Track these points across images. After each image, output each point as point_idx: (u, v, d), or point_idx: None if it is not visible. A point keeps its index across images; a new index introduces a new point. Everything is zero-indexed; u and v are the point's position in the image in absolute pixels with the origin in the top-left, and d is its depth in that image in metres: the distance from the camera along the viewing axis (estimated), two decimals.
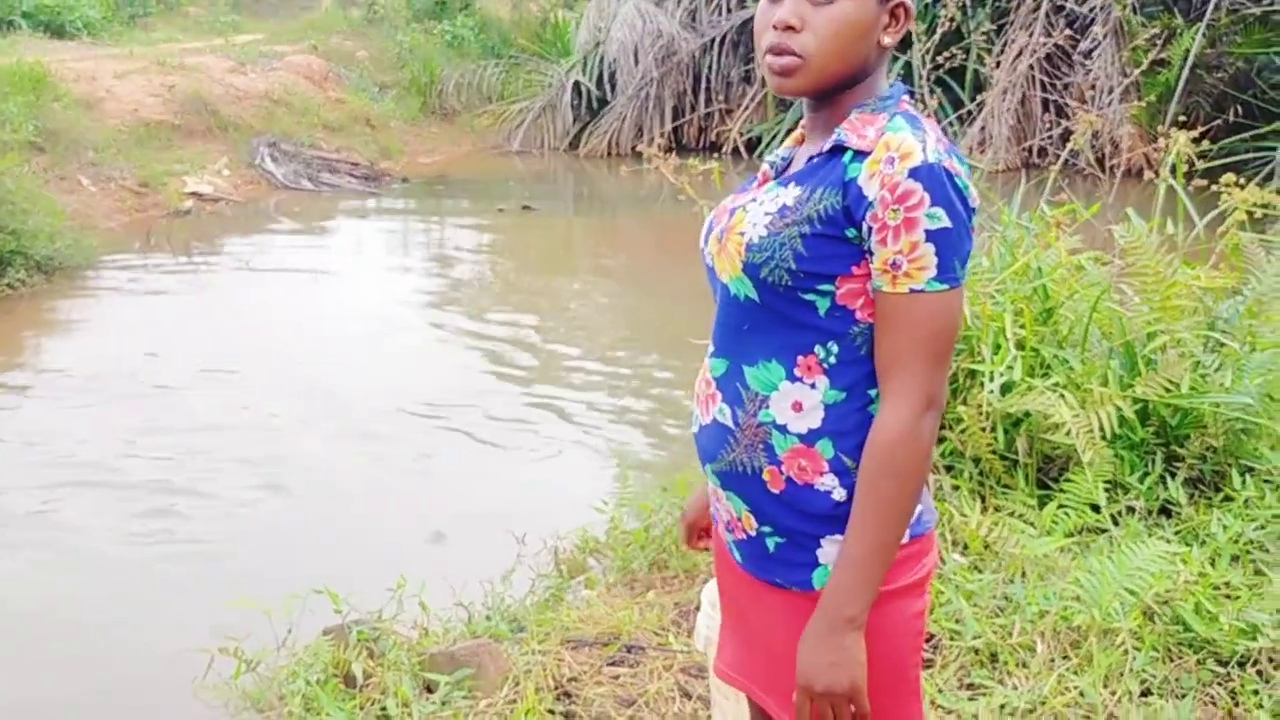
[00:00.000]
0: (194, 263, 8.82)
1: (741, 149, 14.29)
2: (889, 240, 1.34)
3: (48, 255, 7.85)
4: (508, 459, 5.15)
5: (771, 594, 1.53)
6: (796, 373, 1.43)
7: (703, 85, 15.01)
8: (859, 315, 1.40)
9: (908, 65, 10.76)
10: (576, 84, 15.11)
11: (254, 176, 12.00)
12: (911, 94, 1.52)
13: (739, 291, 1.46)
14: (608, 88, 15.11)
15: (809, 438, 1.44)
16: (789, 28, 1.40)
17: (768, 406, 1.45)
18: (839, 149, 1.41)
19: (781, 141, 1.69)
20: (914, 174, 1.32)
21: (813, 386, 1.43)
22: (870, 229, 1.35)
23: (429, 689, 2.71)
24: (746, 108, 14.87)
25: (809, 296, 1.40)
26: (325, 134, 13.55)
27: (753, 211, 1.46)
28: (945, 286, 1.35)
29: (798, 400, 1.44)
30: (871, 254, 1.36)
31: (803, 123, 1.52)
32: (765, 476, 1.47)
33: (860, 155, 1.38)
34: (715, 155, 13.23)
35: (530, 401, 5.89)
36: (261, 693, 2.78)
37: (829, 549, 1.45)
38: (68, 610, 3.73)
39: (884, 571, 1.38)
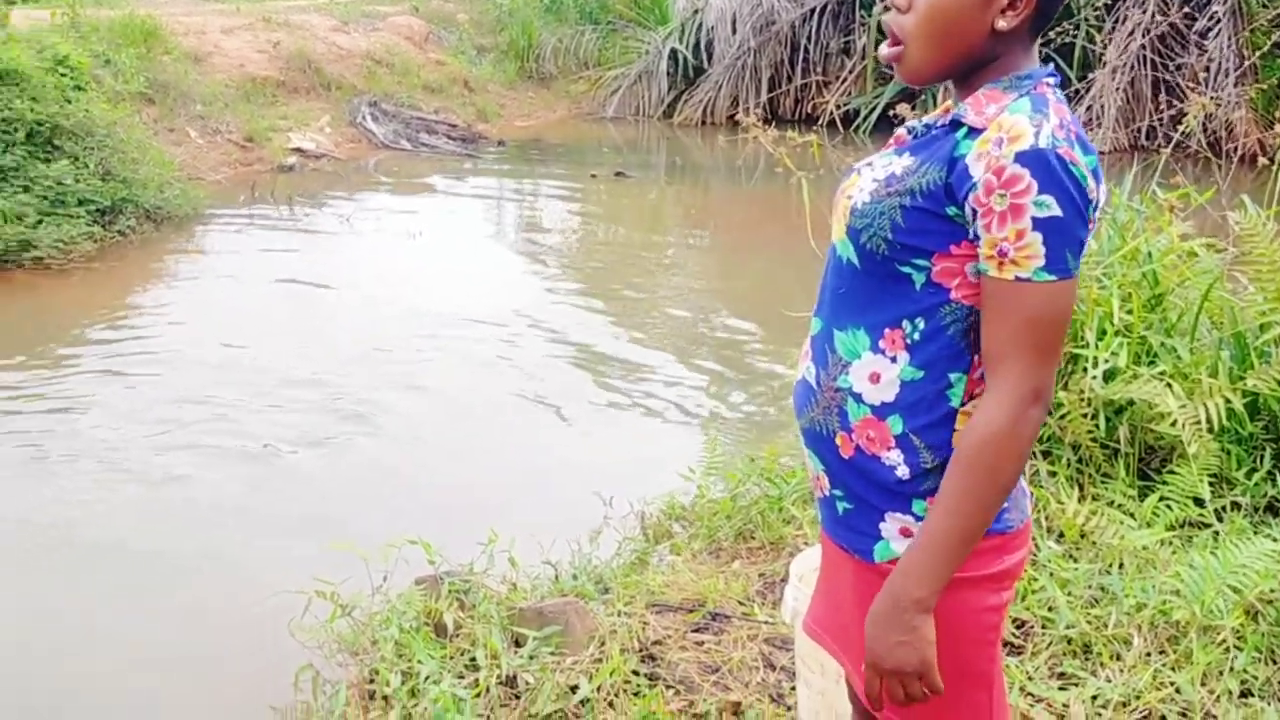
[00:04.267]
0: (296, 217, 9.01)
1: (838, 122, 14.09)
2: (994, 226, 1.29)
3: (157, 204, 8.08)
4: (595, 422, 5.20)
5: (843, 557, 1.55)
6: (881, 344, 1.42)
7: (800, 56, 14.81)
8: (953, 295, 1.37)
9: None
10: (673, 52, 15.03)
11: (355, 135, 12.20)
12: (1064, 80, 1.47)
13: (843, 254, 1.46)
14: (704, 56, 15.00)
15: (880, 410, 1.43)
16: (895, 6, 1.39)
17: (847, 373, 1.45)
18: (956, 123, 1.37)
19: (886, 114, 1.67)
20: (1020, 158, 1.27)
21: (893, 360, 1.41)
22: (975, 211, 1.31)
23: (517, 643, 2.76)
24: (844, 80, 14.65)
25: (905, 269, 1.38)
26: (424, 95, 13.70)
27: (864, 176, 1.45)
28: (1054, 278, 1.29)
29: (876, 371, 1.42)
30: (977, 237, 1.32)
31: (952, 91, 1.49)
32: (838, 440, 1.47)
33: (974, 132, 1.34)
34: (811, 128, 13.06)
35: (620, 367, 5.92)
36: (356, 636, 2.86)
37: (890, 525, 1.45)
38: (174, 552, 3.88)
39: (959, 560, 1.35)
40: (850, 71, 14.65)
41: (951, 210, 1.33)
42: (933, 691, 1.37)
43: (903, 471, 1.43)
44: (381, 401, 5.25)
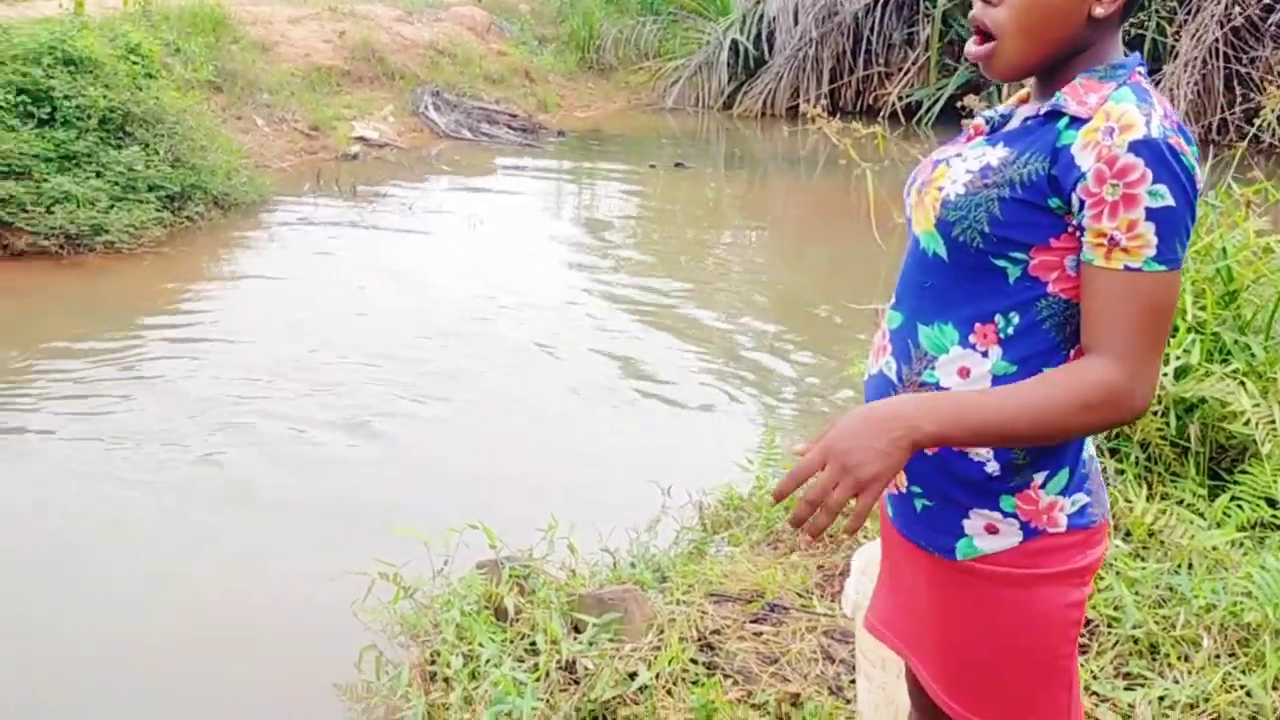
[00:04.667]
0: (359, 205, 9.12)
1: (900, 114, 13.95)
2: (1105, 216, 1.26)
3: (224, 191, 8.21)
4: (653, 412, 5.20)
5: (918, 554, 1.52)
6: (971, 339, 1.39)
7: (863, 47, 14.68)
8: (1050, 288, 1.34)
9: None
10: (734, 43, 14.97)
11: (417, 124, 12.31)
12: (1150, 68, 1.44)
13: (928, 247, 1.43)
14: (765, 47, 14.92)
15: None
16: (988, 1, 1.35)
17: (934, 368, 1.41)
18: (1055, 114, 1.34)
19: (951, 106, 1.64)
20: (1134, 148, 1.25)
21: (984, 355, 1.38)
22: (1082, 202, 1.28)
23: (576, 629, 2.77)
24: (907, 71, 14.50)
25: (1000, 262, 1.35)
26: (486, 85, 13.78)
27: (955, 167, 1.41)
28: (1164, 268, 1.26)
29: (965, 366, 1.39)
30: (1082, 229, 1.29)
31: (1029, 82, 1.47)
32: None
33: (1076, 122, 1.31)
34: (872, 120, 12.96)
35: (678, 357, 5.92)
36: (417, 619, 2.89)
37: (976, 521, 1.43)
38: (236, 531, 3.97)
39: (977, 440, 1.31)
40: (913, 63, 14.50)
41: (1054, 202, 1.30)
42: (859, 509, 1.26)
43: (993, 467, 1.40)
44: (442, 387, 5.30)
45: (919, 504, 1.48)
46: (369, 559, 2.99)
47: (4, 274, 6.68)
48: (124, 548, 3.85)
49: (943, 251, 1.40)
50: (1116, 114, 1.27)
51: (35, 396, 5.03)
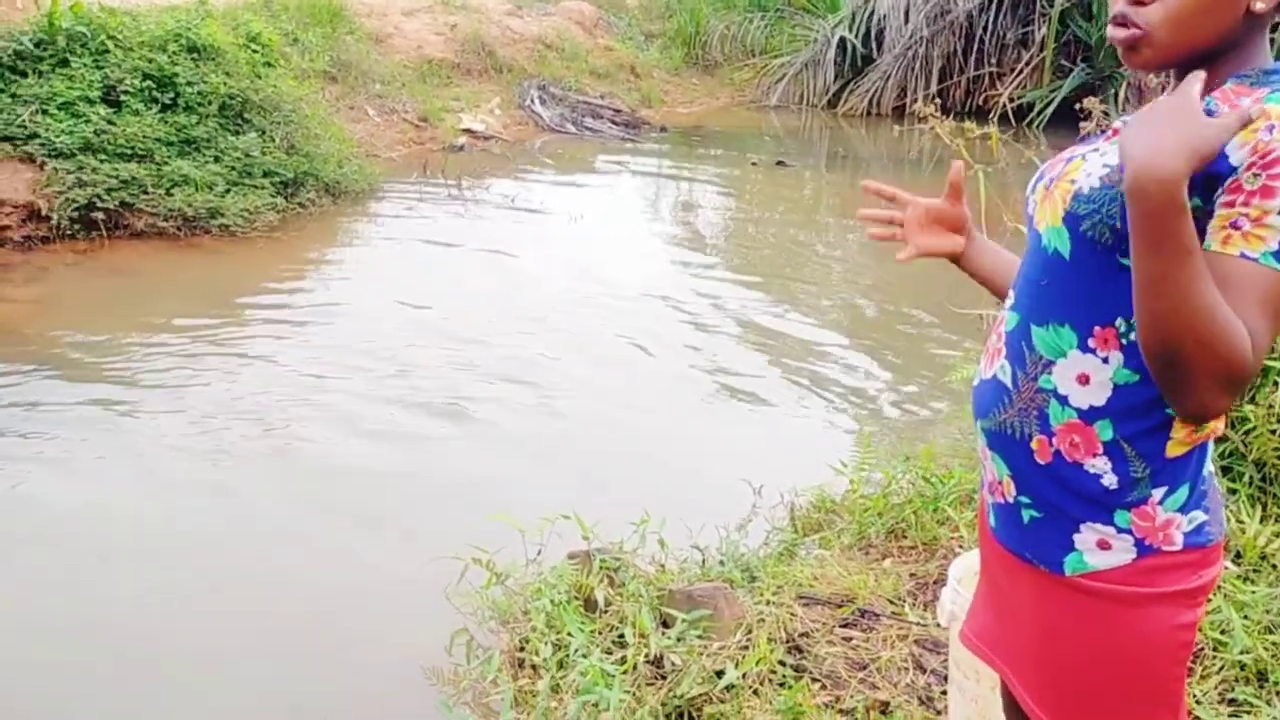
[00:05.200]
0: (464, 196, 9.26)
1: (1010, 115, 13.63)
2: (1238, 202, 1.21)
3: (336, 179, 8.43)
4: (746, 410, 5.19)
5: (1022, 568, 1.47)
6: (1090, 343, 1.34)
7: (974, 46, 14.37)
8: None
9: None
10: (842, 40, 14.80)
11: (522, 117, 12.45)
12: None
13: (1050, 243, 1.38)
14: (873, 45, 14.72)
15: (1089, 415, 1.35)
16: (1139, 1, 1.30)
17: (1050, 373, 1.37)
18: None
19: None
20: None
21: (1105, 360, 1.33)
22: (1223, 190, 1.23)
23: (665, 624, 2.78)
24: (1020, 72, 14.16)
25: (1127, 261, 1.28)
26: (591, 80, 13.88)
27: (1091, 160, 1.37)
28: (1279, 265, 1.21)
29: (1085, 373, 1.35)
30: (1211, 214, 1.24)
31: (1160, 81, 1.42)
32: (1034, 445, 1.40)
33: None
34: (982, 120, 12.68)
35: (772, 356, 5.89)
36: (509, 604, 2.93)
37: (1087, 535, 1.38)
38: (333, 510, 4.06)
39: (1149, 250, 1.18)
40: (1027, 64, 14.15)
41: (1195, 201, 1.24)
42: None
43: (1109, 480, 1.35)
44: (536, 377, 5.36)
45: (1027, 515, 1.44)
46: (463, 544, 3.04)
47: (122, 253, 6.95)
48: (216, 518, 3.96)
49: (1065, 248, 1.36)
50: (1277, 114, 1.22)
51: (138, 370, 5.24)
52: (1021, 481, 1.43)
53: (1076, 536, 1.39)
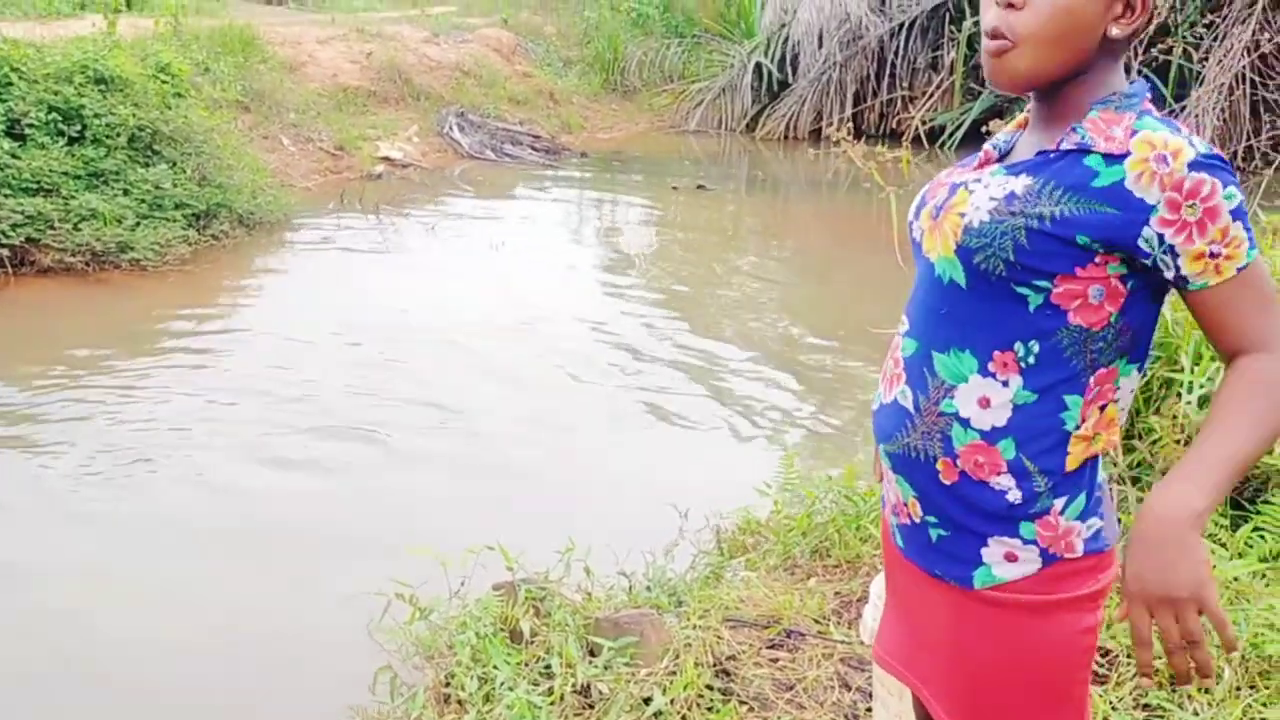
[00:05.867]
0: (382, 225, 9.18)
1: (923, 137, 13.92)
2: (1195, 236, 1.28)
3: (250, 210, 8.29)
4: (672, 434, 5.20)
5: (931, 585, 1.50)
6: (990, 367, 1.38)
7: (887, 70, 14.69)
8: (1071, 317, 1.34)
9: None
10: (758, 65, 15.02)
11: (441, 145, 12.40)
12: (1159, 99, 1.45)
13: (944, 273, 1.41)
14: (789, 70, 14.96)
15: (991, 435, 1.38)
16: (1010, 4, 1.35)
17: (952, 397, 1.40)
18: (1083, 150, 1.34)
19: (961, 128, 1.64)
20: (1194, 167, 1.27)
21: (1004, 384, 1.37)
22: (1160, 235, 1.29)
23: (592, 652, 2.77)
24: (931, 95, 14.50)
25: (1021, 290, 1.34)
26: (510, 106, 13.88)
27: (977, 193, 1.40)
28: (1256, 252, 1.32)
29: (985, 396, 1.38)
30: (1175, 261, 1.30)
31: (1028, 108, 1.47)
32: (939, 466, 1.43)
33: (1112, 158, 1.31)
34: (895, 143, 12.94)
35: (696, 380, 5.92)
36: (433, 639, 2.89)
37: (995, 549, 1.41)
38: (252, 550, 3.95)
39: (1234, 480, 1.27)
40: (937, 87, 14.50)
41: (1081, 238, 1.30)
42: (1215, 621, 1.24)
43: (1014, 496, 1.39)
44: (460, 408, 5.31)
45: (934, 534, 1.47)
46: (385, 579, 3.00)
47: (29, 290, 6.75)
48: (129, 559, 3.84)
49: (961, 278, 1.39)
50: (1159, 141, 1.29)
51: (42, 408, 5.06)
52: (927, 502, 1.46)
53: (984, 551, 1.43)
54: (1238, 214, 1.29)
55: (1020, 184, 1.37)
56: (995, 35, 1.37)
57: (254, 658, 3.30)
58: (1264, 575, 2.90)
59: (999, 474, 1.39)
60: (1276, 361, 1.29)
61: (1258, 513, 3.11)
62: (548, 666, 2.71)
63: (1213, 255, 1.29)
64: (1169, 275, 1.32)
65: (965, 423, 1.40)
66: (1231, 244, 1.29)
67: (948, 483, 1.42)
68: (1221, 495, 1.26)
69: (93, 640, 3.37)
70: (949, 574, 1.46)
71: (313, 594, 3.61)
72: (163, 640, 3.38)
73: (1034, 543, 1.40)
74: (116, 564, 3.82)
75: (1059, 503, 1.39)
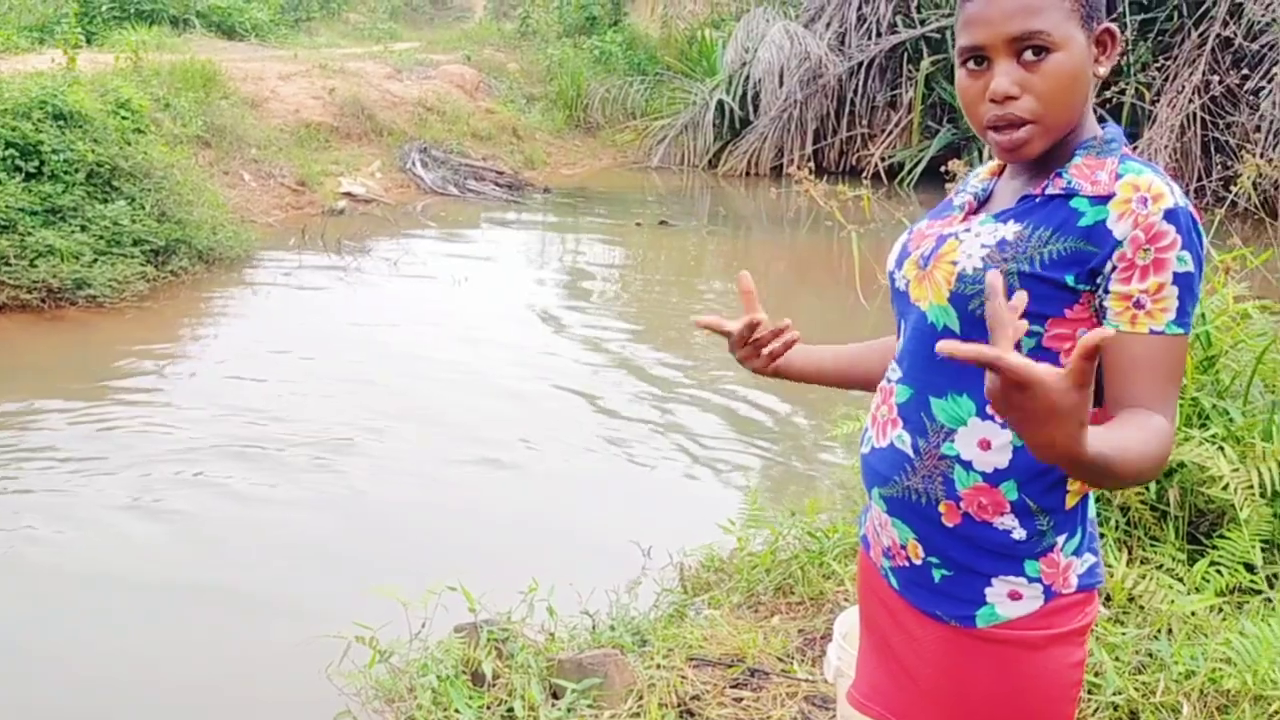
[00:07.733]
0: (344, 261, 9.14)
1: (883, 174, 14.11)
2: (1134, 279, 1.30)
3: (210, 246, 8.22)
4: (635, 472, 5.19)
5: (928, 626, 1.51)
6: (989, 410, 1.39)
7: (846, 109, 14.89)
8: (1063, 359, 1.36)
9: None
10: (720, 103, 15.16)
11: (404, 180, 12.38)
12: (1128, 133, 1.47)
13: (937, 320, 1.43)
14: (750, 108, 15.11)
15: (993, 477, 1.41)
16: (1009, 98, 1.36)
17: (952, 440, 1.42)
18: (1070, 194, 1.37)
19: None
20: (1168, 216, 1.30)
21: (1003, 426, 1.38)
22: (1114, 268, 1.31)
23: (555, 694, 2.74)
24: (890, 133, 14.70)
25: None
26: (473, 142, 13.90)
27: (967, 242, 1.43)
28: (1181, 331, 1.31)
29: (986, 438, 1.40)
30: (1106, 291, 1.32)
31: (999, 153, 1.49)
32: (941, 509, 1.44)
33: (1098, 200, 1.34)
34: (855, 180, 13.08)
35: (659, 418, 5.92)
36: (393, 683, 2.86)
37: (999, 588, 1.43)
38: (211, 590, 3.90)
39: (1097, 469, 1.15)
40: (895, 125, 14.71)
41: (1069, 278, 1.33)
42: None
43: (1019, 534, 1.41)
44: (420, 444, 5.28)
45: (938, 575, 1.48)
46: (345, 621, 2.96)
47: None
48: (83, 601, 3.78)
49: (954, 325, 1.41)
50: (1144, 184, 1.32)
51: None
52: (930, 545, 1.47)
53: (989, 590, 1.44)
54: (1180, 280, 1.30)
55: (1010, 230, 1.39)
56: (1008, 125, 1.37)
57: (208, 704, 3.24)
58: (1220, 609, 2.93)
59: (1003, 514, 1.41)
60: (1167, 425, 1.29)
61: (1214, 547, 3.15)
62: (510, 710, 2.68)
63: (1137, 304, 1.31)
64: (1095, 302, 1.34)
65: (968, 465, 1.42)
66: (1160, 302, 1.30)
67: (950, 525, 1.44)
68: (1091, 465, 1.15)
69: (59, 682, 3.30)
70: (950, 614, 1.47)
71: (269, 636, 3.56)
72: (116, 683, 3.32)
73: (1038, 580, 1.43)
74: (66, 604, 3.74)
75: (1060, 539, 1.43)
